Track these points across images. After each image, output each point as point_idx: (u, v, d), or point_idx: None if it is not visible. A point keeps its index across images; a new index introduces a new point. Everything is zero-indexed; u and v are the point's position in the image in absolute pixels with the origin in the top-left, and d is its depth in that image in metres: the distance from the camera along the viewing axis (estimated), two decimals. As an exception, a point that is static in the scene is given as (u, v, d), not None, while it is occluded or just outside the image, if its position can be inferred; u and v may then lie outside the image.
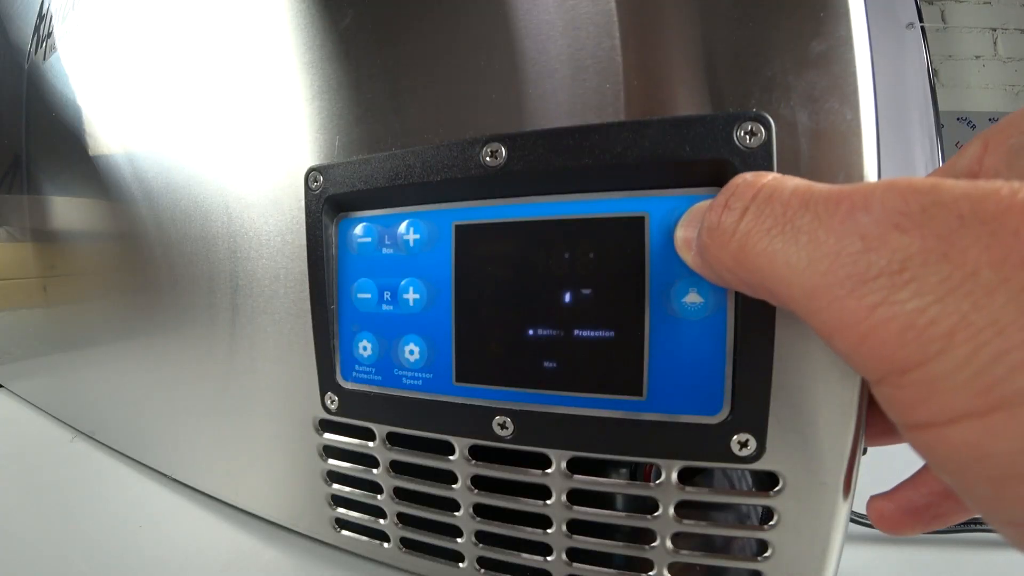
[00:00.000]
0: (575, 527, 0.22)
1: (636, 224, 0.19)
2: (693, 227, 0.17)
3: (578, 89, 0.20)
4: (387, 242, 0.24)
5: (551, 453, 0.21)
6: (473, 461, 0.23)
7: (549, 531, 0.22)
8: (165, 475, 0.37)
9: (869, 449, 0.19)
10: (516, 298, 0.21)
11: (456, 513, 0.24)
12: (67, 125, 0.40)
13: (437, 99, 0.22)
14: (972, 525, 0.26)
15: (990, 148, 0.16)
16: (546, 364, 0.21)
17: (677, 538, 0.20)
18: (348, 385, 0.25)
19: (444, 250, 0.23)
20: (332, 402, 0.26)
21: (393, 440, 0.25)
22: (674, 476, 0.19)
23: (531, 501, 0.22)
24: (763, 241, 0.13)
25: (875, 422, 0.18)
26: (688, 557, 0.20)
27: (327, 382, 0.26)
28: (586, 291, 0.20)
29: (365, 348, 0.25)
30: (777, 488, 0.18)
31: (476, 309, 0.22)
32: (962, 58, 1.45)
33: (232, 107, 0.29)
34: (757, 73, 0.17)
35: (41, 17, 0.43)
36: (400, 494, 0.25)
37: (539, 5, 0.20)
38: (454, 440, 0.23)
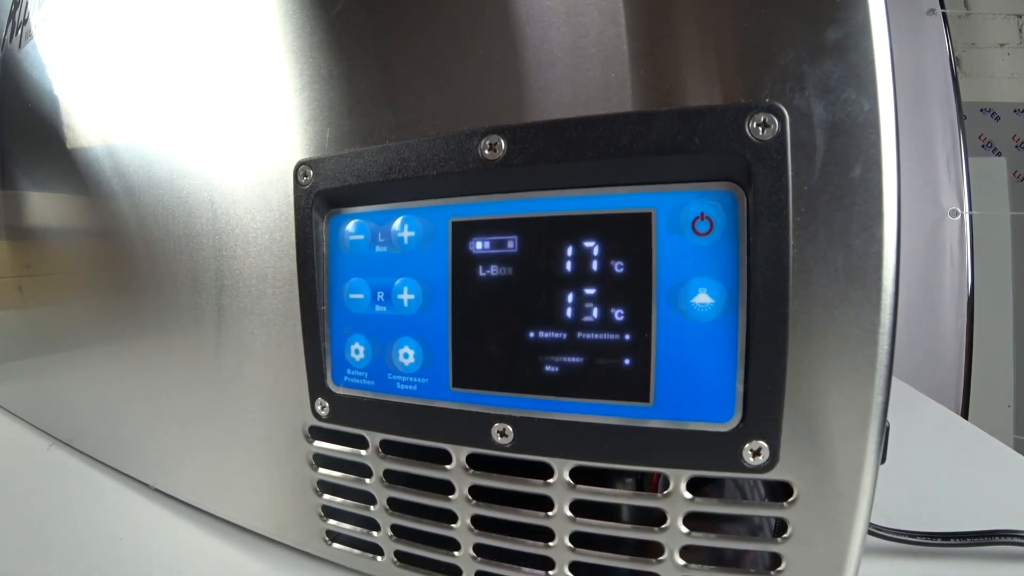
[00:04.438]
0: (579, 540, 0.21)
1: (642, 220, 0.19)
2: None
3: (581, 79, 0.19)
4: (380, 240, 0.24)
5: (553, 462, 0.21)
6: (471, 470, 0.22)
7: (551, 544, 0.21)
8: (147, 485, 0.36)
9: (888, 457, 0.18)
10: (516, 299, 0.21)
11: (453, 525, 0.23)
12: (44, 117, 0.40)
13: (433, 89, 0.22)
14: (996, 537, 0.26)
15: None
16: (548, 368, 0.20)
17: (686, 551, 0.19)
18: (339, 390, 0.25)
19: (440, 248, 0.22)
20: (323, 408, 0.25)
21: (387, 448, 0.24)
22: (683, 486, 0.19)
23: (532, 512, 0.21)
24: None
25: None
26: (697, 571, 0.19)
27: (317, 387, 0.25)
28: (590, 291, 0.20)
29: (357, 351, 0.24)
30: (791, 499, 0.18)
31: (474, 310, 0.21)
32: (986, 46, 1.42)
33: (217, 98, 0.28)
34: (770, 62, 0.17)
35: (16, 3, 0.43)
36: (394, 505, 0.25)
37: (541, -9, 0.20)
38: (451, 448, 0.22)
